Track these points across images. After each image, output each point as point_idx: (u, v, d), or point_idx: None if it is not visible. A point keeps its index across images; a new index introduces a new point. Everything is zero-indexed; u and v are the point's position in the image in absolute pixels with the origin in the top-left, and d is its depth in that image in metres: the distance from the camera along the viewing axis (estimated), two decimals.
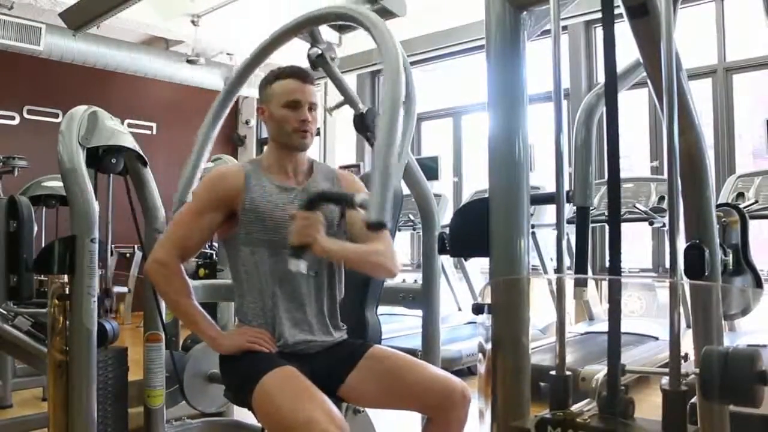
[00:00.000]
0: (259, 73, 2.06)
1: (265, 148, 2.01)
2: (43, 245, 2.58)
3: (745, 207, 3.19)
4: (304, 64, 2.24)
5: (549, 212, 4.52)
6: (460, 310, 5.83)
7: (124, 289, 3.17)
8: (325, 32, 2.36)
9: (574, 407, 1.11)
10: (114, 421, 2.40)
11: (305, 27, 2.14)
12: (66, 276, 2.24)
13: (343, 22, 2.02)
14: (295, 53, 2.40)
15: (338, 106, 2.61)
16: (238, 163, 1.91)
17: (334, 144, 8.17)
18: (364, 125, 2.26)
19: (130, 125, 7.41)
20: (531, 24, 1.33)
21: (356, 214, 1.79)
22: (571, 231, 1.76)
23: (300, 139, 1.88)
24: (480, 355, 1.36)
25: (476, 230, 1.32)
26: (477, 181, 6.90)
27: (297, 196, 1.88)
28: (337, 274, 1.93)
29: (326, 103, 7.10)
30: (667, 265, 4.90)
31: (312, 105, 1.90)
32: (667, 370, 1.03)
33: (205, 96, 8.64)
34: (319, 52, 2.32)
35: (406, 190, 2.37)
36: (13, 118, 7.46)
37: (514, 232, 1.29)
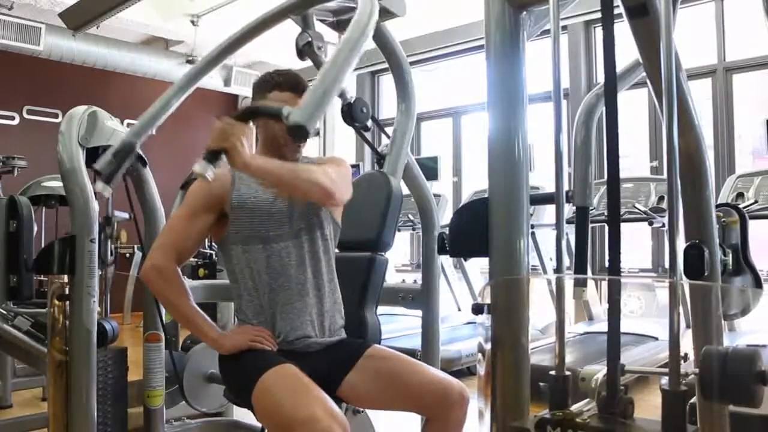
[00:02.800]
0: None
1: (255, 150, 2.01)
2: (43, 245, 2.58)
3: (744, 207, 3.19)
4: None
5: (548, 212, 4.53)
6: (459, 310, 5.82)
7: (125, 215, 3.09)
8: (326, 32, 2.36)
9: (574, 407, 1.11)
10: (114, 421, 2.40)
11: (299, 7, 2.13)
12: (66, 276, 2.24)
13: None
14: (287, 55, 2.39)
15: None
16: (226, 164, 1.90)
17: (334, 143, 8.17)
18: (352, 116, 2.25)
19: (129, 125, 7.38)
20: (530, 24, 1.33)
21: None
22: (570, 231, 1.76)
23: (292, 153, 1.89)
24: (479, 355, 1.37)
25: (476, 230, 1.32)
26: (476, 181, 6.90)
27: None
28: (333, 267, 1.93)
29: None
30: (667, 265, 4.88)
31: None
32: (666, 370, 1.03)
33: (205, 96, 8.64)
34: (308, 39, 2.30)
35: (405, 190, 2.37)
36: (12, 118, 7.45)
37: (514, 232, 1.29)
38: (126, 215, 2.59)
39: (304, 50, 2.31)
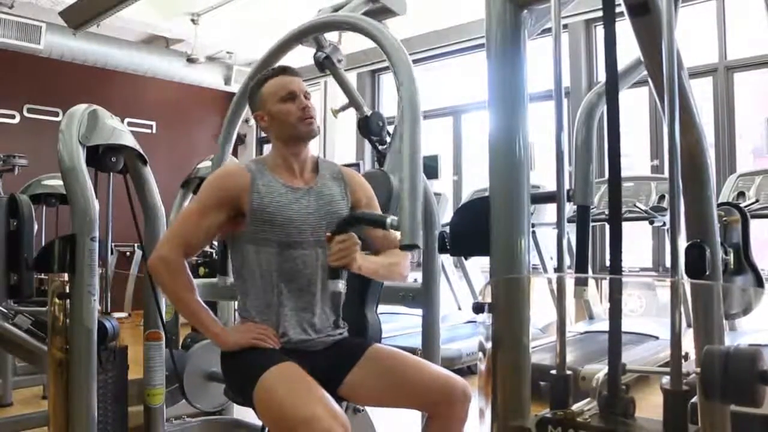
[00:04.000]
0: (248, 70, 2.09)
1: (267, 149, 2.02)
2: (43, 244, 2.58)
3: (745, 206, 3.19)
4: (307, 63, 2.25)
5: (549, 211, 4.51)
6: (460, 309, 5.82)
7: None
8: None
9: (575, 407, 1.11)
10: (114, 419, 2.39)
11: (309, 34, 2.16)
12: (66, 274, 2.24)
13: (349, 30, 2.04)
14: (298, 55, 2.40)
15: (343, 108, 2.61)
16: (240, 163, 1.92)
17: (334, 143, 8.17)
18: (368, 129, 2.26)
19: (130, 124, 7.41)
20: (531, 22, 1.33)
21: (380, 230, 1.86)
22: (571, 230, 1.76)
23: (307, 126, 1.89)
24: (480, 354, 1.36)
25: (476, 229, 1.31)
26: (477, 180, 6.90)
27: (303, 195, 1.88)
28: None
29: (326, 103, 7.10)
30: (668, 264, 4.89)
31: (307, 94, 1.92)
32: (667, 369, 1.03)
33: (205, 94, 8.66)
34: (325, 55, 2.32)
35: None
36: (13, 116, 7.45)
37: (515, 231, 1.28)
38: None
39: (324, 63, 2.34)
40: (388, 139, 2.35)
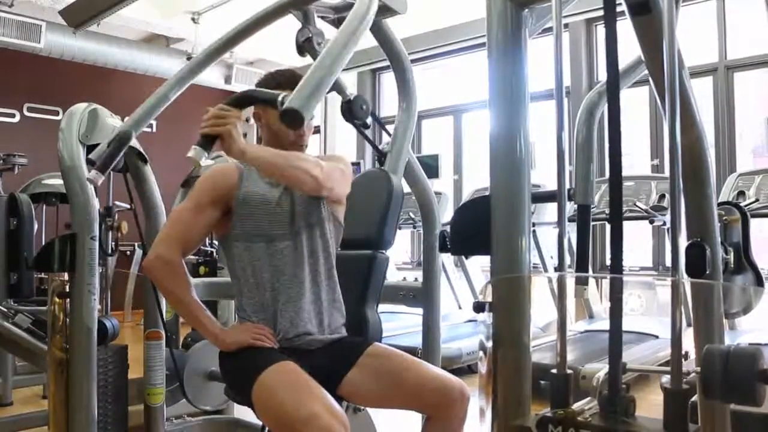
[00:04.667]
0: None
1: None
2: (43, 243, 2.58)
3: (746, 205, 3.19)
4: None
5: (550, 210, 4.52)
6: (460, 308, 5.82)
7: (126, 205, 3.04)
8: (326, 29, 2.35)
9: (575, 406, 1.11)
10: (114, 418, 2.40)
11: (301, 3, 2.13)
12: (66, 273, 2.24)
13: None
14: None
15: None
16: (233, 161, 1.92)
17: (334, 142, 8.17)
18: (351, 113, 2.24)
19: None
20: (532, 22, 1.33)
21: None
22: (572, 229, 1.76)
23: (297, 149, 1.91)
24: (481, 354, 1.36)
25: (477, 228, 1.31)
26: (477, 180, 6.90)
27: (285, 189, 1.89)
28: (330, 266, 1.93)
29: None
30: (668, 263, 4.89)
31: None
32: (668, 368, 1.03)
33: (205, 94, 8.63)
34: (308, 35, 2.29)
35: (406, 188, 2.37)
36: (13, 115, 7.45)
37: (515, 231, 1.28)
38: (126, 206, 2.61)
39: (304, 46, 2.31)
40: (369, 121, 2.31)
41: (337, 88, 2.42)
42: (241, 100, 1.69)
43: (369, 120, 2.25)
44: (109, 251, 2.28)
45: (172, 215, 1.95)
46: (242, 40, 2.19)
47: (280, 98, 1.54)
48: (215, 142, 1.61)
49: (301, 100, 1.40)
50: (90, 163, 1.99)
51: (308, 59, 2.37)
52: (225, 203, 1.87)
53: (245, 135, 9.38)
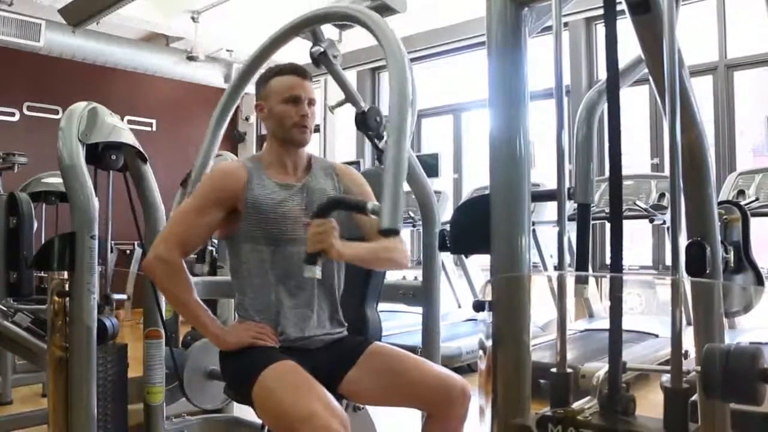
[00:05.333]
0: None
1: (264, 145, 2.01)
2: (43, 242, 2.57)
3: (746, 204, 3.19)
4: (305, 61, 2.24)
5: (550, 209, 4.52)
6: (460, 307, 5.82)
7: (123, 296, 3.13)
8: (326, 28, 2.35)
9: (575, 405, 1.11)
10: (114, 417, 2.39)
11: (307, 26, 2.15)
12: (66, 272, 2.24)
13: (345, 22, 2.02)
14: (295, 50, 2.39)
15: (340, 104, 2.60)
16: (239, 160, 1.91)
17: (334, 141, 8.17)
18: (365, 124, 2.26)
19: (129, 122, 7.40)
20: (532, 20, 1.32)
21: (366, 217, 1.79)
22: (571, 228, 1.76)
23: (300, 134, 1.89)
24: (480, 353, 1.36)
25: (477, 227, 1.31)
26: (477, 178, 6.89)
27: (296, 192, 1.88)
28: (337, 269, 1.93)
29: (326, 100, 7.09)
30: (668, 262, 4.89)
31: (311, 101, 1.92)
32: (668, 367, 1.03)
33: (205, 92, 8.64)
34: (322, 50, 2.31)
35: (406, 187, 2.36)
36: (13, 114, 7.45)
37: (515, 229, 1.28)
38: (125, 297, 2.62)
39: (320, 59, 2.33)
40: (386, 135, 2.34)
41: (351, 99, 2.43)
42: (330, 208, 1.76)
43: (384, 133, 2.28)
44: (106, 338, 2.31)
45: (175, 214, 1.95)
46: (256, 70, 2.22)
47: (369, 207, 1.66)
48: (322, 255, 1.71)
49: (393, 219, 1.57)
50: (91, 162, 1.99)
51: (307, 58, 2.37)
52: (230, 204, 1.85)
53: (245, 134, 9.38)
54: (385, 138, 2.32)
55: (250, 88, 2.21)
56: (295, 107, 1.87)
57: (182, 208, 1.92)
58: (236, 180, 1.85)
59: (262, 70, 2.06)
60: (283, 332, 1.82)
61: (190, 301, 1.83)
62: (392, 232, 1.57)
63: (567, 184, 1.26)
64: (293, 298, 1.84)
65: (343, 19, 2.01)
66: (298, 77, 1.90)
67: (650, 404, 1.11)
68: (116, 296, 2.51)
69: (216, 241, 3.36)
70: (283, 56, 2.17)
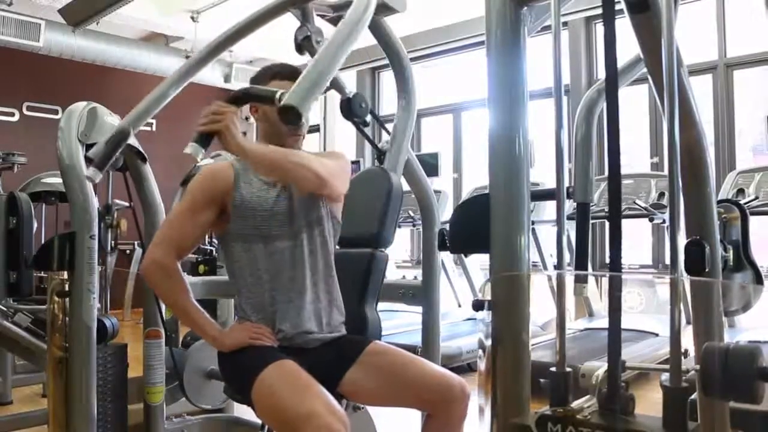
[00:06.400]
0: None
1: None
2: (42, 242, 2.58)
3: (745, 203, 3.20)
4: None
5: (549, 208, 4.52)
6: (460, 306, 5.82)
7: (125, 203, 3.00)
8: (325, 28, 2.35)
9: (575, 404, 1.11)
10: (114, 417, 2.40)
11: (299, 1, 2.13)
12: (65, 272, 2.24)
13: None
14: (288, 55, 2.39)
15: (324, 91, 2.60)
16: (228, 160, 1.91)
17: (334, 141, 8.16)
18: (351, 111, 2.24)
19: None
20: (531, 20, 1.33)
21: None
22: (571, 227, 1.76)
23: (293, 143, 1.90)
24: (480, 352, 1.36)
25: (476, 227, 1.31)
26: (477, 178, 6.89)
27: (282, 189, 1.88)
28: (323, 253, 1.92)
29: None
30: (667, 261, 4.88)
31: None
32: (667, 366, 1.03)
33: (205, 92, 8.62)
34: (307, 33, 2.30)
35: (406, 187, 2.36)
36: (12, 114, 7.45)
37: (514, 229, 1.28)
38: (125, 204, 2.59)
39: (303, 44, 2.31)
40: (369, 119, 2.31)
41: (337, 86, 2.43)
42: (238, 98, 1.70)
43: (368, 118, 2.25)
44: (108, 249, 2.28)
45: (168, 218, 1.95)
46: (241, 38, 2.18)
47: (277, 95, 1.54)
48: (212, 138, 1.63)
49: (299, 97, 1.40)
50: (88, 160, 1.98)
51: (306, 57, 2.37)
52: (220, 204, 1.85)
53: (245, 134, 9.36)
54: (369, 123, 2.29)
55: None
56: None
57: (174, 211, 1.93)
58: (223, 180, 1.86)
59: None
60: (280, 329, 1.82)
61: (187, 304, 1.84)
62: (291, 112, 1.40)
63: (566, 184, 1.26)
64: (287, 293, 1.84)
65: None
66: (293, 83, 1.89)
67: (650, 403, 1.11)
68: (118, 201, 2.48)
69: (216, 241, 3.36)
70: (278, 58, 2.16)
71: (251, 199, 1.85)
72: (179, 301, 1.85)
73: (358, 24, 1.58)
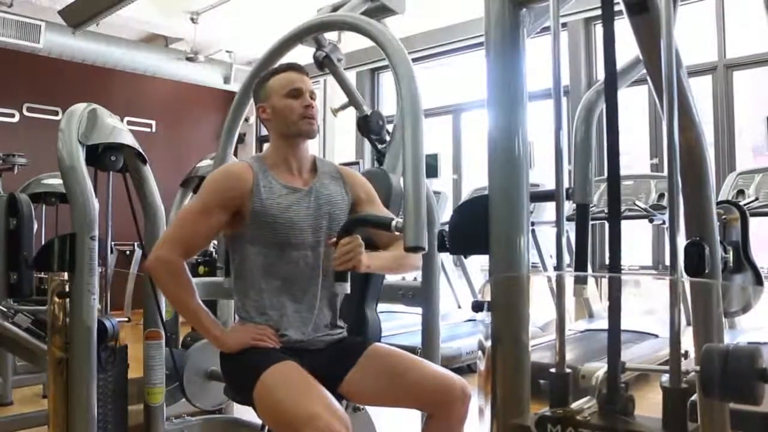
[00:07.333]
0: (249, 69, 2.09)
1: (266, 146, 2.01)
2: (43, 242, 2.58)
3: (745, 204, 3.19)
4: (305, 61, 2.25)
5: (549, 209, 4.52)
6: (459, 307, 5.82)
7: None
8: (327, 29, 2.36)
9: (574, 405, 1.11)
10: (114, 418, 2.39)
11: (308, 34, 2.16)
12: (66, 273, 2.24)
13: (349, 30, 2.04)
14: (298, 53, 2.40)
15: (343, 107, 2.61)
16: (243, 161, 1.90)
17: (334, 141, 8.17)
18: (368, 128, 2.26)
19: (129, 123, 7.40)
20: (530, 21, 1.32)
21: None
22: (570, 228, 1.76)
23: (308, 125, 1.88)
24: (480, 353, 1.36)
25: (476, 228, 1.31)
26: (476, 179, 6.89)
27: (303, 196, 1.87)
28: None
29: (326, 101, 7.09)
30: (667, 262, 4.87)
31: (312, 93, 1.92)
32: (667, 367, 1.03)
33: (205, 93, 8.65)
34: (325, 54, 2.32)
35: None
36: (12, 115, 7.45)
37: (514, 230, 1.28)
38: (125, 320, 2.71)
39: (324, 63, 2.34)
40: (388, 138, 2.35)
41: (354, 103, 2.44)
42: (354, 225, 1.81)
43: (386, 136, 2.28)
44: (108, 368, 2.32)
45: (179, 215, 1.94)
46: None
47: (394, 223, 1.71)
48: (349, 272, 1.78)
49: (417, 237, 1.65)
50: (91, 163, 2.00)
51: (308, 59, 2.38)
52: (235, 206, 1.83)
53: (245, 135, 9.37)
54: (387, 140, 2.32)
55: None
56: (298, 100, 1.87)
57: (186, 209, 1.91)
58: (243, 182, 1.83)
59: (248, 62, 2.09)
60: (285, 335, 1.82)
61: (191, 303, 1.83)
62: (419, 249, 1.65)
63: (566, 185, 1.26)
64: (296, 303, 1.84)
65: (347, 29, 2.03)
66: (295, 72, 1.91)
67: (650, 404, 1.11)
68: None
69: (216, 242, 3.36)
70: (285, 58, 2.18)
71: (272, 207, 1.82)
72: (183, 299, 1.84)
73: (418, 124, 1.73)
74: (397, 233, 1.71)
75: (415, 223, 1.66)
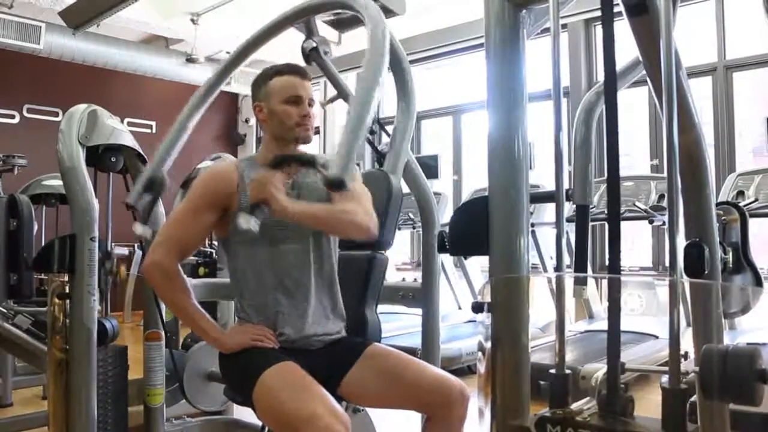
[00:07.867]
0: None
1: (260, 146, 2.01)
2: (43, 244, 2.58)
3: (745, 205, 3.19)
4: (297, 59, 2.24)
5: (549, 210, 4.52)
6: (459, 308, 5.82)
7: (124, 251, 3.07)
8: (326, 30, 2.36)
9: (574, 406, 1.11)
10: (114, 419, 2.40)
11: (302, 16, 2.14)
12: (66, 274, 2.24)
13: (339, 9, 2.01)
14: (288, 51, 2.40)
15: (332, 100, 2.61)
16: (231, 162, 1.91)
17: (334, 141, 8.16)
18: None
19: (129, 124, 7.40)
20: (530, 22, 1.33)
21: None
22: (570, 229, 1.76)
23: (304, 132, 1.88)
24: (480, 354, 1.36)
25: (476, 229, 1.32)
26: (477, 180, 6.89)
27: (289, 191, 1.87)
28: (328, 255, 1.92)
29: (325, 99, 7.10)
30: (667, 263, 4.87)
31: (311, 101, 1.91)
32: (666, 368, 1.03)
33: None
34: (314, 45, 2.31)
35: (405, 189, 2.37)
36: (13, 116, 7.45)
37: (514, 231, 1.28)
38: (126, 251, 2.61)
39: (311, 55, 2.33)
40: (388, 138, 2.35)
41: (343, 95, 2.44)
42: (278, 162, 1.76)
43: (375, 127, 2.27)
44: (105, 292, 2.30)
45: (169, 219, 1.94)
46: (245, 58, 2.18)
47: (320, 161, 1.63)
48: (262, 206, 1.68)
49: (343, 168, 1.47)
50: (128, 207, 1.99)
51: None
52: (223, 206, 1.85)
53: (245, 136, 9.38)
54: (386, 142, 2.32)
55: (246, 90, 2.19)
56: (296, 107, 1.87)
57: (176, 211, 1.92)
58: (227, 182, 1.85)
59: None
60: (282, 333, 1.82)
61: (188, 306, 1.83)
62: (338, 184, 1.47)
63: (566, 186, 1.26)
64: (291, 297, 1.84)
65: (338, 7, 2.00)
66: (298, 77, 1.90)
67: (649, 405, 1.11)
68: (118, 250, 2.50)
69: (216, 242, 3.36)
70: (277, 59, 2.16)
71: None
72: (180, 302, 1.84)
73: (375, 79, 1.67)
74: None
75: (344, 153, 1.48)
